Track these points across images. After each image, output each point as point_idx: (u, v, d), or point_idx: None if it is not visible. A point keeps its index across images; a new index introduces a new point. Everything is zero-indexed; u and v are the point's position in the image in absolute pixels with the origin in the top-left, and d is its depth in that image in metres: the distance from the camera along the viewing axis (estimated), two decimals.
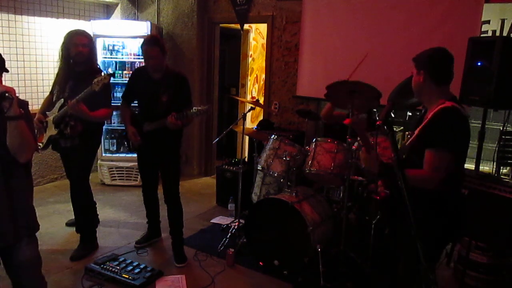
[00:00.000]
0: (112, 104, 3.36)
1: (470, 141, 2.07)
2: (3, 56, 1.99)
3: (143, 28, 5.03)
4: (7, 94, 1.78)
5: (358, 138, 2.99)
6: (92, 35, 3.45)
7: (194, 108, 3.05)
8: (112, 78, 3.01)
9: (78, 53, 3.15)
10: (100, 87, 2.93)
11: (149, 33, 5.02)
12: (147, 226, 3.71)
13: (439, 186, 1.99)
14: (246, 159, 4.90)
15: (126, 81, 5.15)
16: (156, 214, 3.67)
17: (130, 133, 3.31)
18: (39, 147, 3.17)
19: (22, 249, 1.98)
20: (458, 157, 2.02)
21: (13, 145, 1.83)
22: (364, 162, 2.08)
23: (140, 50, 5.10)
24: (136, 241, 3.62)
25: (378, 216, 3.19)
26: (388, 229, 3.14)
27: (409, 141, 2.11)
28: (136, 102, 3.47)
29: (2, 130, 1.82)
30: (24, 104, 1.98)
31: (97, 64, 3.42)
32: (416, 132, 2.07)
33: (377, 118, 1.87)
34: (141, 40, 5.00)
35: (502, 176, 3.30)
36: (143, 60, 5.15)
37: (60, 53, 3.22)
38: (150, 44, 3.18)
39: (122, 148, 5.39)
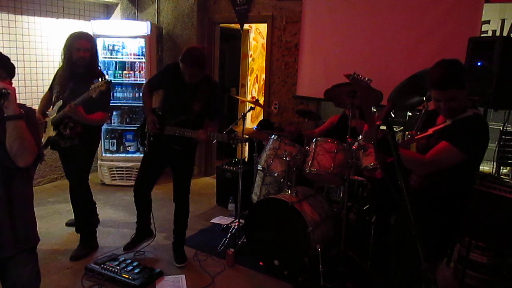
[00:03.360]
0: (111, 104, 3.36)
1: None
2: (12, 62, 1.97)
3: (143, 28, 5.03)
4: (3, 90, 1.69)
5: (359, 137, 2.99)
6: (92, 35, 3.45)
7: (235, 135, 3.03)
8: (112, 78, 3.00)
9: (79, 57, 3.14)
10: (97, 94, 2.94)
11: (149, 33, 5.02)
12: (136, 228, 3.53)
13: (451, 186, 2.00)
14: (246, 159, 4.90)
15: (126, 81, 5.21)
16: (147, 215, 3.48)
17: (150, 120, 3.14)
18: None
19: (19, 269, 1.90)
20: (473, 161, 2.05)
21: (11, 147, 1.75)
22: (364, 136, 2.09)
23: (140, 51, 5.18)
24: (124, 247, 3.46)
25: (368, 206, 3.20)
26: (375, 216, 3.15)
27: (418, 136, 2.10)
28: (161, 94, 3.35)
29: (3, 135, 1.75)
30: (31, 111, 1.93)
31: (99, 66, 3.41)
32: (429, 131, 2.06)
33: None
34: (141, 40, 5.08)
35: (502, 176, 3.30)
36: (144, 61, 5.21)
37: (62, 54, 3.22)
38: (188, 64, 2.97)
39: (122, 148, 5.40)
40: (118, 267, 3.07)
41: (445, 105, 2.00)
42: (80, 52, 3.13)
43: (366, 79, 2.19)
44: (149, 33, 5.03)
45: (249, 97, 6.58)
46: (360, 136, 3.00)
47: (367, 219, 3.32)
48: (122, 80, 5.18)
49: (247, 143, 4.13)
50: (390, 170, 2.16)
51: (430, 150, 2.01)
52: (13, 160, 1.78)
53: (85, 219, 3.50)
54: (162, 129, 3.14)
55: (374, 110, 4.61)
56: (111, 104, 3.40)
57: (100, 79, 3.07)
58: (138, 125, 3.44)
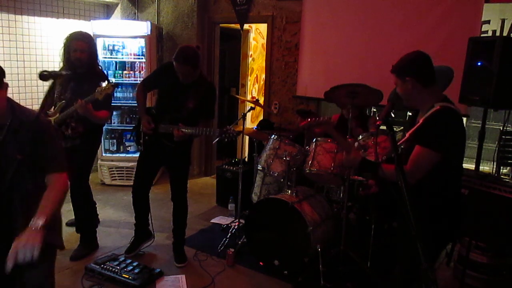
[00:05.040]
0: (112, 104, 3.37)
1: (470, 141, 2.08)
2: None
3: (143, 28, 5.03)
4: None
5: (359, 137, 3.00)
6: (92, 35, 3.44)
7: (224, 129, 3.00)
8: (112, 78, 3.00)
9: (76, 58, 3.14)
10: (103, 97, 2.98)
11: (149, 33, 5.02)
12: (135, 230, 3.51)
13: (434, 186, 1.99)
14: (246, 159, 4.90)
15: (126, 81, 5.20)
16: (146, 216, 3.47)
17: (144, 120, 3.17)
18: None
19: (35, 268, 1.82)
20: (452, 157, 2.00)
21: None
22: (344, 164, 2.12)
23: (140, 51, 5.18)
24: (125, 251, 3.41)
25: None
26: (387, 224, 3.15)
27: (400, 142, 2.11)
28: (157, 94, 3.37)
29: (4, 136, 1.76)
30: (48, 122, 1.95)
31: (99, 66, 3.40)
32: (407, 135, 2.07)
33: (377, 118, 1.87)
34: (141, 40, 5.08)
35: (502, 176, 3.30)
36: (144, 61, 5.21)
37: (61, 55, 3.22)
38: (180, 62, 2.98)
39: (122, 148, 5.40)
40: (118, 267, 3.07)
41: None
42: (77, 53, 3.13)
43: (323, 118, 2.30)
44: (149, 33, 5.03)
45: (249, 97, 6.58)
46: (360, 136, 3.00)
47: (367, 219, 3.32)
48: (122, 80, 5.18)
49: (241, 139, 4.14)
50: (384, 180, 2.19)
51: (409, 156, 1.99)
52: None
53: (85, 219, 3.50)
54: (156, 127, 3.16)
55: (374, 110, 4.62)
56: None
57: (105, 82, 3.09)
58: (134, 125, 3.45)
